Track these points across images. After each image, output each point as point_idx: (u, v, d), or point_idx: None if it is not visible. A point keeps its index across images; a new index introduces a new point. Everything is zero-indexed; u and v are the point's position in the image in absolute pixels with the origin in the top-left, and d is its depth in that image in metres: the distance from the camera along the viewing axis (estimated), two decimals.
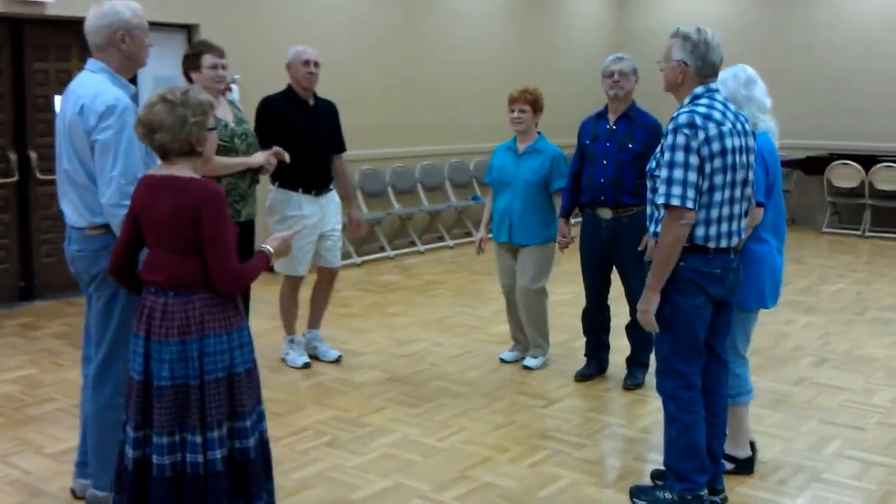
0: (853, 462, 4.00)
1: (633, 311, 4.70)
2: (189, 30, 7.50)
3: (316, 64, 5.11)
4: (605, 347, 5.20)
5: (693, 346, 3.37)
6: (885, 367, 5.36)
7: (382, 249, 8.87)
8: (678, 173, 3.19)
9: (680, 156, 3.19)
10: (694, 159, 3.19)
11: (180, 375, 2.83)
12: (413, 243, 9.19)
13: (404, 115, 9.26)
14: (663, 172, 3.22)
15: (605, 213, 4.87)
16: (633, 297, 4.64)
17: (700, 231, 3.27)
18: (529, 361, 5.30)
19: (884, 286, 7.61)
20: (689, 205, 3.17)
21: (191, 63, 4.66)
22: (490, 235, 5.36)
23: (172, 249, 2.85)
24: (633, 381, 4.97)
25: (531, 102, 5.07)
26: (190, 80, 4.61)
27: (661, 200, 3.21)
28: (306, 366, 5.31)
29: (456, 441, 4.21)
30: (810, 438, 4.27)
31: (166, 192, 2.84)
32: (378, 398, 4.81)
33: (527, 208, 5.08)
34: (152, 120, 2.81)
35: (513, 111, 5.09)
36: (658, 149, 3.35)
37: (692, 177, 3.18)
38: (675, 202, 3.18)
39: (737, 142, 3.28)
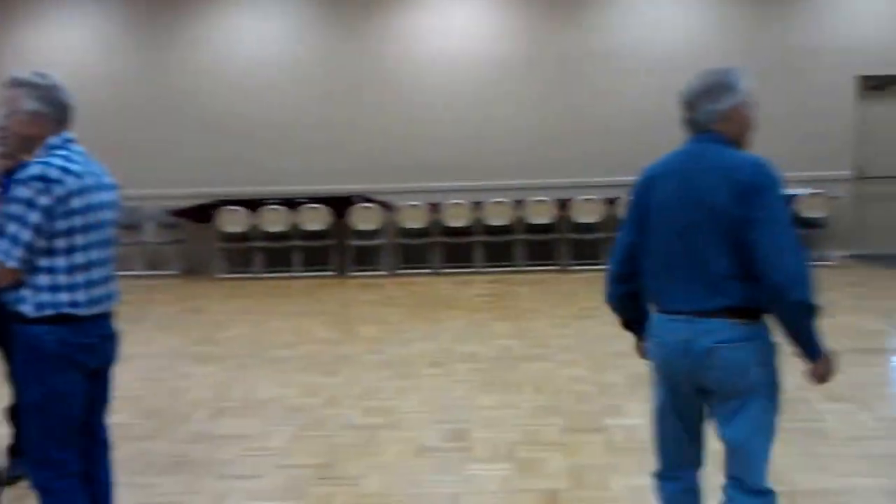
0: None
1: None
2: None
3: None
4: None
5: (69, 428, 2.97)
6: (281, 407, 5.48)
7: None
8: (13, 228, 2.81)
9: (20, 209, 2.80)
10: (35, 217, 2.81)
11: None
12: None
13: None
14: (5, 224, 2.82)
15: None
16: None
17: (64, 297, 2.88)
18: None
19: (278, 324, 7.97)
20: (12, 264, 2.81)
21: None
22: None
23: None
24: (14, 473, 4.30)
25: None
26: None
27: None
28: None
29: None
30: (208, 497, 4.11)
31: None
32: None
33: None
34: None
35: None
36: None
37: (26, 235, 2.82)
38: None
39: (103, 197, 2.99)
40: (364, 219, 10.58)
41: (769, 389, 2.71)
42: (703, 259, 2.62)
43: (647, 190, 2.79)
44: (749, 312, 2.63)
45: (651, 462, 4.37)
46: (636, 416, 5.09)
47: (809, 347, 2.63)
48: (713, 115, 2.71)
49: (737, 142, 2.74)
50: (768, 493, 2.75)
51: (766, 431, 2.73)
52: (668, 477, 3.00)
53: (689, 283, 2.67)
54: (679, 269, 2.69)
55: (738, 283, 2.60)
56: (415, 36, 10.94)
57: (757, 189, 2.55)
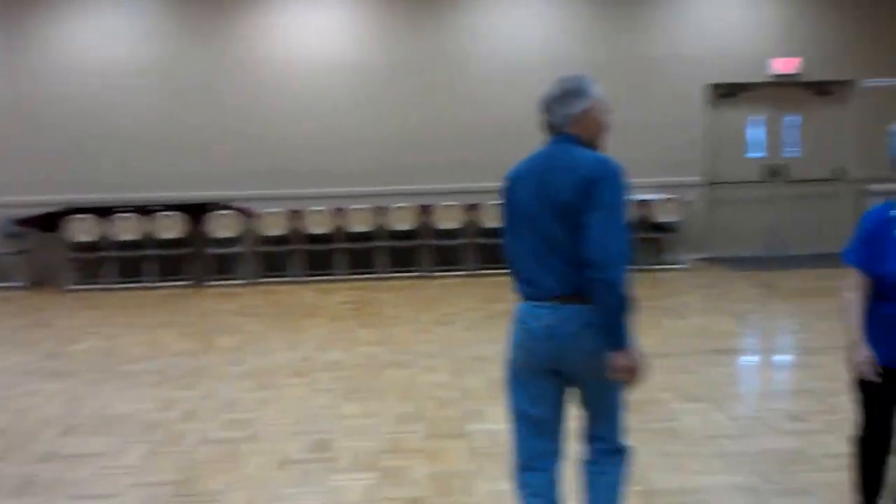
0: None
1: None
2: None
3: None
4: None
5: None
6: (136, 423, 5.26)
7: None
8: None
9: None
10: None
11: None
12: None
13: None
14: None
15: None
16: None
17: None
18: None
19: (132, 337, 7.67)
20: None
21: None
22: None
23: None
24: None
25: None
26: None
27: None
28: None
29: None
30: None
31: None
32: None
33: None
34: None
35: None
36: None
37: None
38: None
39: None
40: (222, 226, 10.34)
41: None
42: (559, 251, 2.86)
43: (511, 191, 3.03)
44: None
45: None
46: (498, 420, 5.17)
47: (616, 334, 2.80)
48: (567, 118, 2.97)
49: (590, 143, 2.99)
50: (625, 450, 3.15)
51: (621, 400, 3.09)
52: (530, 468, 3.12)
53: (549, 273, 2.89)
54: (540, 261, 2.91)
55: None
56: (272, 39, 10.77)
57: (595, 181, 2.79)
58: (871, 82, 11.09)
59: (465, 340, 7.25)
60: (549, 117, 3.02)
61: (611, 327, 2.80)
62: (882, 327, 3.18)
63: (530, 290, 2.97)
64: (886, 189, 10.55)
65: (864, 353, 3.13)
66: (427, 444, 4.81)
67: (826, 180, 11.43)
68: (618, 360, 2.81)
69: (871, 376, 3.14)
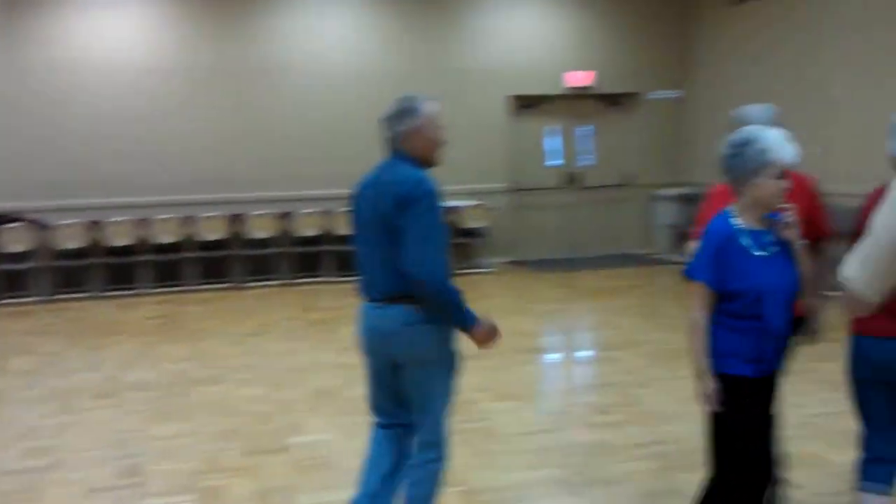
0: None
1: None
2: None
3: None
4: None
5: None
6: None
7: None
8: None
9: None
10: None
11: None
12: None
13: None
14: None
15: None
16: None
17: None
18: None
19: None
20: None
21: None
22: None
23: None
24: None
25: None
26: None
27: None
28: None
29: None
30: None
31: None
32: None
33: None
34: None
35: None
36: None
37: None
38: None
39: None
40: (13, 239, 9.60)
41: (445, 363, 3.27)
42: (385, 258, 3.16)
43: (355, 201, 3.33)
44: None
45: (335, 477, 4.51)
46: (317, 432, 5.18)
47: (461, 322, 3.18)
48: (399, 135, 3.24)
49: (424, 158, 3.25)
50: (441, 444, 3.34)
51: (443, 395, 3.31)
52: (377, 424, 3.50)
53: (378, 277, 3.23)
54: (372, 266, 3.25)
55: None
56: (69, 42, 10.11)
57: (409, 199, 3.07)
58: (655, 94, 11.94)
59: (280, 352, 7.14)
60: (386, 133, 3.27)
61: (451, 320, 3.18)
62: (737, 338, 2.96)
63: (365, 292, 3.31)
64: (673, 194, 11.43)
65: (712, 384, 2.95)
66: (246, 461, 4.71)
67: (618, 186, 12.17)
68: (476, 336, 3.21)
69: (716, 407, 2.97)
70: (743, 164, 2.92)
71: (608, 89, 11.85)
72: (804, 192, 3.45)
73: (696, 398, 3.03)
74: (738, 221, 2.99)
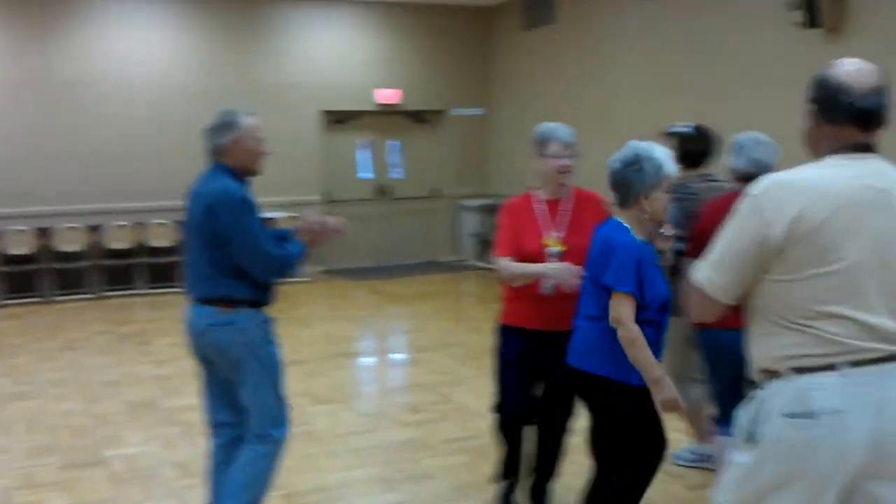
0: None
1: None
2: None
3: None
4: None
5: None
6: None
7: None
8: None
9: None
10: None
11: None
12: None
13: None
14: None
15: None
16: None
17: None
18: None
19: None
20: None
21: None
22: None
23: None
24: None
25: None
26: None
27: None
28: None
29: None
30: None
31: None
32: None
33: None
34: None
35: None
36: None
37: None
38: None
39: None
40: None
41: (258, 360, 3.47)
42: (198, 262, 3.42)
43: (186, 207, 3.50)
44: (230, 301, 3.41)
45: (154, 489, 4.60)
46: (136, 444, 5.22)
47: (298, 257, 3.56)
48: (217, 147, 3.44)
49: (244, 168, 3.49)
50: (269, 437, 3.57)
51: (263, 389, 3.51)
52: (211, 434, 3.69)
53: (194, 279, 3.47)
54: (190, 269, 3.49)
55: (219, 279, 3.39)
56: None
57: (216, 208, 3.31)
58: (459, 111, 12.61)
59: (95, 366, 7.08)
60: (207, 145, 3.47)
61: (298, 266, 3.65)
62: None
63: (187, 293, 3.54)
64: (477, 204, 12.12)
65: (671, 390, 3.00)
66: (62, 476, 4.71)
67: (425, 198, 12.75)
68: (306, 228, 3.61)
69: (679, 412, 3.08)
70: (642, 179, 3.00)
71: (414, 106, 12.38)
72: (596, 207, 3.70)
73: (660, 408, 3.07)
74: (635, 234, 3.08)
